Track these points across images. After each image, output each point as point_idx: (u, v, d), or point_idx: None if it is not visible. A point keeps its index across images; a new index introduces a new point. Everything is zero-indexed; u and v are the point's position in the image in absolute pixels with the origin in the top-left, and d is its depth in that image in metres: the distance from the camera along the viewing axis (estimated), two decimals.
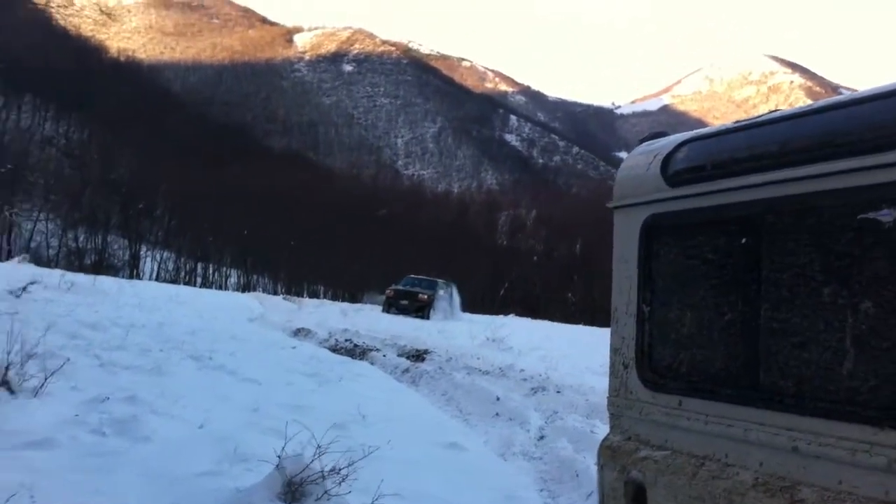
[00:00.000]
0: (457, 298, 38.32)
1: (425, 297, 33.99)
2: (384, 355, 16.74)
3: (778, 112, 2.99)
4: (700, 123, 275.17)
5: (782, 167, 2.67)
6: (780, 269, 2.65)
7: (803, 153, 2.61)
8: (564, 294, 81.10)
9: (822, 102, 2.76)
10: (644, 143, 3.57)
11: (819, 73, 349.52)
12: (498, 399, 11.47)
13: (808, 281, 2.55)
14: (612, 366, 3.47)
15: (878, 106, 2.46)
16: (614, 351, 3.48)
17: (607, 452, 3.39)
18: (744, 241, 2.81)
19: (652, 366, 3.25)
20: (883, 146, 2.33)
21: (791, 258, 2.62)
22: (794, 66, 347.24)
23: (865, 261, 2.38)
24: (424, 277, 38.20)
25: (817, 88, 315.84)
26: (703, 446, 2.91)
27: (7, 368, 6.94)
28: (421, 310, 33.02)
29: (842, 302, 2.44)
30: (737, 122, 3.14)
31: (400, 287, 35.80)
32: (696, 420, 2.95)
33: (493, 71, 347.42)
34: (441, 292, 35.71)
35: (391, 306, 34.10)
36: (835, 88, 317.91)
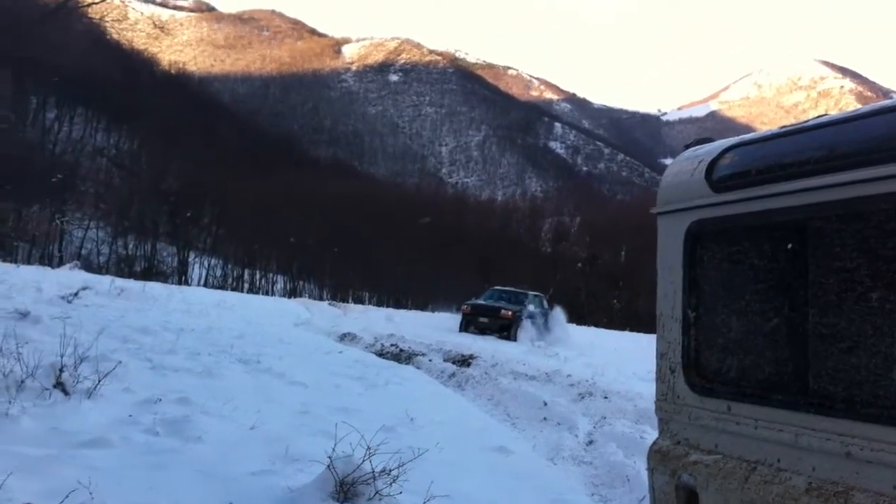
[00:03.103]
0: (558, 315, 31.96)
1: (510, 313, 28.44)
2: (430, 360, 16.82)
3: (824, 117, 2.98)
4: (748, 129, 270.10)
5: (829, 172, 2.66)
6: (828, 274, 2.65)
7: (850, 158, 2.60)
8: (609, 301, 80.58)
9: (869, 107, 2.76)
10: (689, 150, 3.58)
11: (870, 77, 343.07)
12: (545, 404, 11.49)
13: (855, 286, 2.55)
14: (659, 370, 3.49)
15: None
16: (661, 356, 3.49)
17: (657, 456, 3.40)
18: (790, 246, 2.81)
19: (699, 371, 3.26)
20: None
21: (838, 263, 2.62)
22: (845, 71, 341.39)
23: None
24: (512, 289, 32.68)
25: (868, 93, 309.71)
26: (754, 451, 2.92)
27: (61, 370, 7.13)
28: (505, 329, 27.91)
29: (889, 307, 2.44)
30: (782, 127, 3.15)
31: (480, 302, 30.28)
32: (746, 425, 2.96)
33: (538, 79, 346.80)
34: (531, 307, 30.09)
35: (469, 324, 29.15)
36: (886, 93, 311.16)
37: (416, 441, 7.02)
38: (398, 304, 60.60)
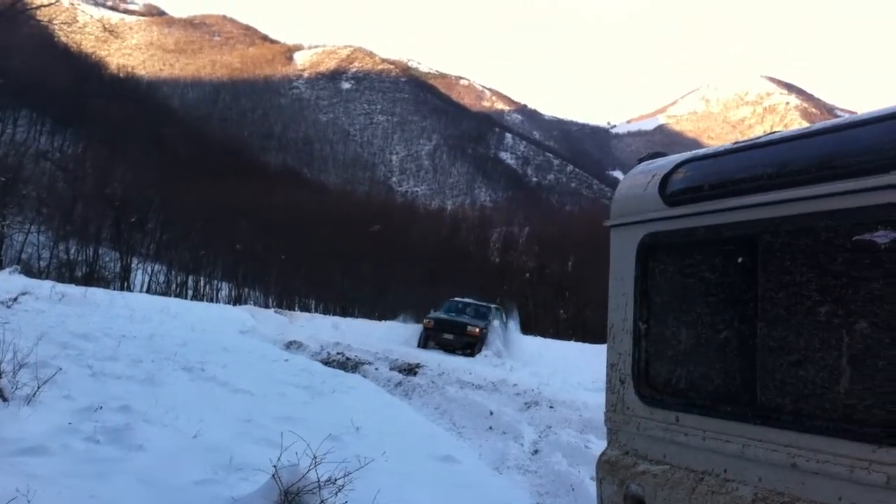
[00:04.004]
0: (514, 328, 29.97)
1: (477, 330, 26.01)
2: (376, 368, 16.85)
3: (776, 134, 3.04)
4: (695, 143, 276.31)
5: (780, 188, 2.72)
6: (777, 288, 2.69)
7: (801, 175, 2.65)
8: (556, 311, 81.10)
9: (819, 125, 2.81)
10: (642, 163, 3.62)
11: (815, 94, 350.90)
12: (491, 413, 11.56)
13: (804, 300, 2.60)
14: (609, 381, 3.52)
15: (875, 129, 2.50)
16: (611, 367, 3.52)
17: (606, 466, 3.42)
18: (741, 260, 2.86)
19: (649, 382, 3.29)
20: (879, 169, 2.37)
21: (787, 277, 2.66)
22: (791, 88, 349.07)
23: (861, 281, 2.42)
24: (473, 301, 30.06)
25: (813, 110, 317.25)
26: (702, 461, 2.95)
27: None
28: (470, 346, 25.61)
29: (838, 321, 2.48)
30: (735, 143, 3.20)
31: (442, 316, 27.65)
32: (694, 436, 2.99)
33: (490, 90, 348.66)
34: (496, 322, 27.74)
35: (429, 340, 26.71)
36: (830, 110, 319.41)
37: (363, 450, 6.97)
38: (345, 313, 60.17)
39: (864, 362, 2.39)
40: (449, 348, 25.76)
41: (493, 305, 30.08)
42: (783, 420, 2.63)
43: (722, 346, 2.90)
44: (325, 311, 63.61)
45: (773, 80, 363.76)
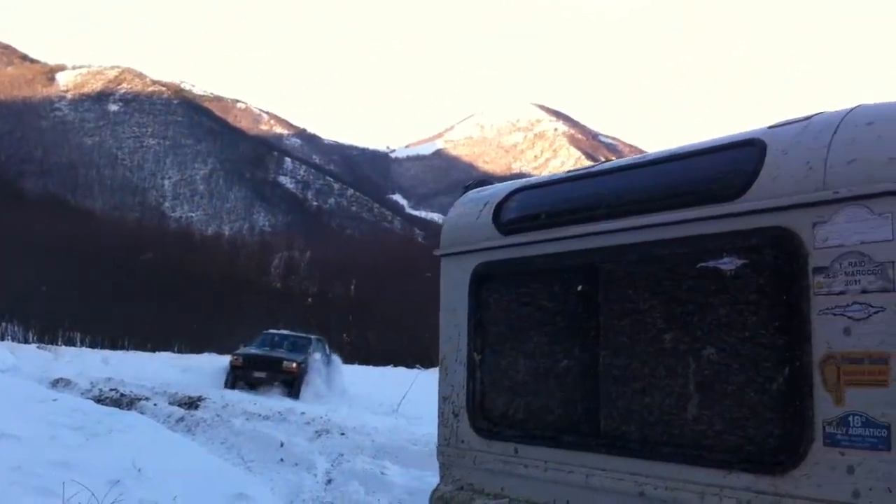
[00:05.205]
0: (337, 360, 26.63)
1: (294, 365, 22.89)
2: (154, 404, 16.07)
3: (612, 163, 3.05)
4: (471, 167, 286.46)
5: (622, 216, 2.71)
6: (620, 316, 2.67)
7: (644, 203, 2.65)
8: (339, 335, 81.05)
9: (659, 153, 2.83)
10: (471, 191, 3.55)
11: (580, 121, 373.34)
12: (282, 445, 11.31)
13: (648, 327, 2.59)
14: (442, 415, 3.42)
15: (718, 157, 2.52)
16: (444, 399, 3.41)
17: None
18: (581, 288, 2.81)
19: (485, 414, 3.23)
20: (724, 197, 2.38)
21: (631, 305, 2.65)
22: (558, 115, 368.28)
23: (707, 307, 2.42)
24: (290, 333, 27.27)
25: (579, 136, 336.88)
26: (543, 493, 2.90)
27: None
28: (289, 384, 22.54)
29: (684, 348, 2.48)
30: (569, 171, 3.18)
31: (252, 351, 24.21)
32: (535, 467, 2.94)
33: (268, 113, 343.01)
34: (317, 355, 24.51)
35: (238, 380, 22.93)
36: (594, 136, 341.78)
37: (148, 494, 6.59)
38: (115, 346, 56.76)
39: (712, 388, 2.39)
40: (262, 387, 22.33)
41: (313, 336, 27.22)
42: (629, 448, 2.61)
43: (563, 375, 2.85)
44: (94, 345, 59.67)
45: (542, 107, 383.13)
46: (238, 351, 24.69)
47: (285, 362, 22.98)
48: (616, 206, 2.74)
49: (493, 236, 3.20)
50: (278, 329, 28.47)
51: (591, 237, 2.80)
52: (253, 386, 22.45)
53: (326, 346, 27.05)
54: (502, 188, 3.38)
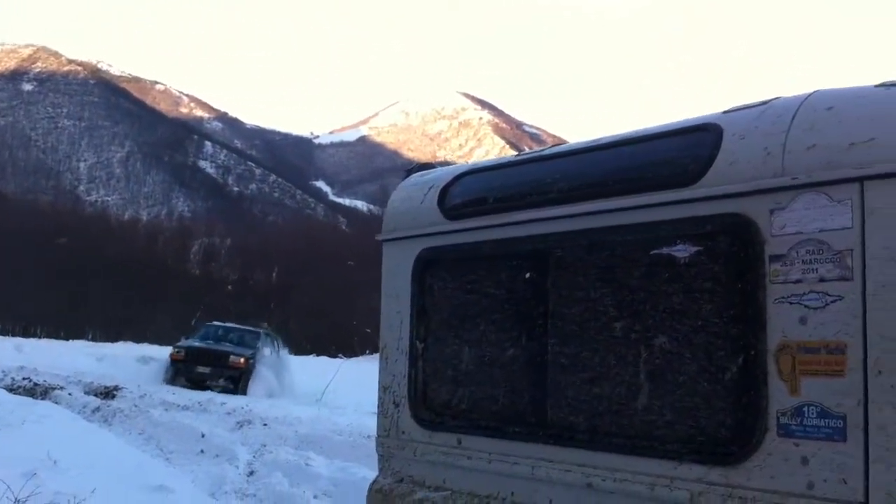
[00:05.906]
0: (286, 357, 24.95)
1: (241, 360, 21.54)
2: (69, 394, 15.73)
3: (563, 146, 2.98)
4: (396, 155, 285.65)
5: (573, 202, 2.64)
6: (569, 304, 2.61)
7: (596, 188, 2.58)
8: (260, 322, 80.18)
9: (611, 138, 2.77)
10: (415, 175, 3.45)
11: (505, 110, 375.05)
12: (203, 435, 11.20)
13: (598, 316, 2.54)
14: (382, 405, 3.33)
15: (673, 142, 2.46)
16: (384, 389, 3.32)
17: (378, 497, 3.22)
18: (529, 275, 2.74)
19: (427, 404, 3.15)
20: (679, 183, 2.32)
21: (581, 293, 2.58)
22: (483, 104, 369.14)
23: (660, 295, 2.36)
24: (237, 326, 25.81)
25: (504, 125, 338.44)
26: (486, 485, 2.84)
27: None
28: (234, 381, 21.06)
29: (635, 336, 2.43)
30: (517, 155, 3.11)
31: (196, 344, 22.76)
32: (479, 459, 2.88)
33: (188, 95, 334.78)
34: (266, 350, 23.39)
35: (178, 375, 21.55)
36: (518, 125, 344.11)
37: (65, 486, 6.38)
38: (28, 333, 54.96)
39: (663, 377, 2.35)
40: (206, 385, 21.12)
41: (261, 330, 26.15)
42: (577, 439, 2.56)
43: (509, 364, 2.78)
44: (5, 333, 57.68)
45: (467, 95, 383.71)
46: (179, 344, 23.29)
47: (232, 357, 21.70)
48: (567, 190, 2.67)
49: (438, 221, 3.12)
50: (223, 322, 27.18)
51: (541, 223, 2.73)
52: (196, 382, 21.20)
53: (277, 342, 25.77)
54: (448, 171, 3.29)
